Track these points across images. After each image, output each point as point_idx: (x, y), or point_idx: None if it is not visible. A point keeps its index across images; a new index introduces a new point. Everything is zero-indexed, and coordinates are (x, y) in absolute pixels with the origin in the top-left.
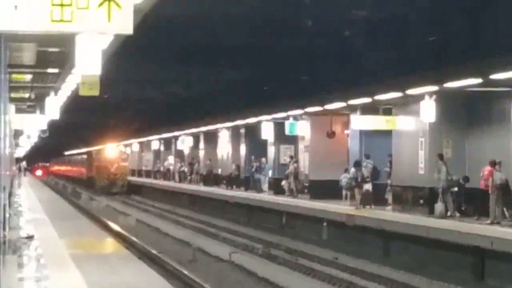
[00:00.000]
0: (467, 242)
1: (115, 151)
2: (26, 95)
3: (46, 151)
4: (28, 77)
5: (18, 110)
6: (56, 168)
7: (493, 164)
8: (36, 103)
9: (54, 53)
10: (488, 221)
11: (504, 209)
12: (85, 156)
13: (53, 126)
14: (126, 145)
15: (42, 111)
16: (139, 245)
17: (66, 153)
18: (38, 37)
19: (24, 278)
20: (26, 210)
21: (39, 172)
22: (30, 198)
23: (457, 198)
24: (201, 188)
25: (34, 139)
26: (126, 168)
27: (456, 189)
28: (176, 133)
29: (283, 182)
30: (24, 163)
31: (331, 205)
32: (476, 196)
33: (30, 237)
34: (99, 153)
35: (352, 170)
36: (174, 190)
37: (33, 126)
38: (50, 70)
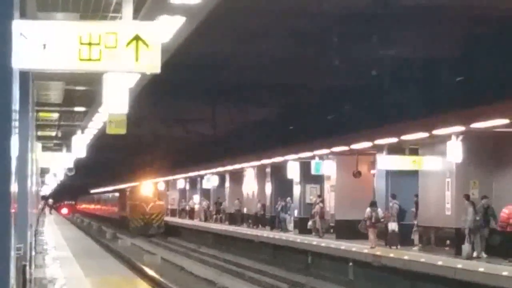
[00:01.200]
0: (494, 283)
1: (150, 189)
2: (53, 133)
3: (72, 189)
4: (55, 115)
5: (45, 148)
6: (83, 206)
7: None
8: (63, 142)
9: (81, 92)
10: None
11: None
12: (116, 194)
13: (80, 164)
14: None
15: (68, 149)
16: (164, 284)
17: (95, 190)
18: (65, 76)
19: None
20: (51, 248)
21: (64, 210)
22: (55, 236)
23: (485, 224)
24: (227, 227)
25: (60, 177)
26: (162, 207)
27: (478, 218)
28: (202, 172)
29: (310, 222)
30: (50, 201)
31: (357, 245)
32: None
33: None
34: (134, 191)
35: (368, 210)
36: (200, 229)
37: (59, 164)
38: (77, 109)
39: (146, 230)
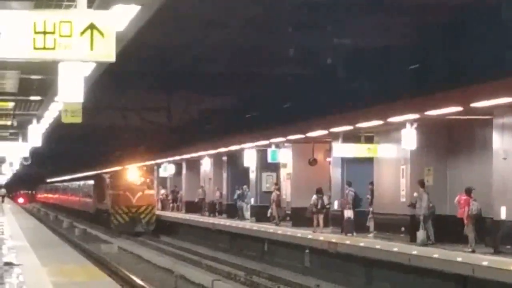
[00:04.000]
0: (449, 269)
1: (138, 175)
2: (9, 123)
3: (30, 177)
4: (11, 104)
5: (0, 138)
6: (45, 196)
7: (469, 192)
8: (19, 131)
9: (37, 81)
10: (469, 249)
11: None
12: (91, 182)
13: (39, 152)
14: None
15: (24, 138)
16: (121, 273)
17: (60, 178)
18: (20, 65)
19: None
20: (7, 237)
21: (21, 200)
22: (12, 225)
23: None
24: (184, 215)
25: (17, 166)
26: (152, 198)
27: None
28: (158, 161)
29: (270, 210)
30: (3, 190)
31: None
32: (451, 223)
33: (10, 264)
34: (116, 177)
35: (314, 197)
36: (157, 218)
37: (15, 154)
38: (32, 98)
39: (132, 227)
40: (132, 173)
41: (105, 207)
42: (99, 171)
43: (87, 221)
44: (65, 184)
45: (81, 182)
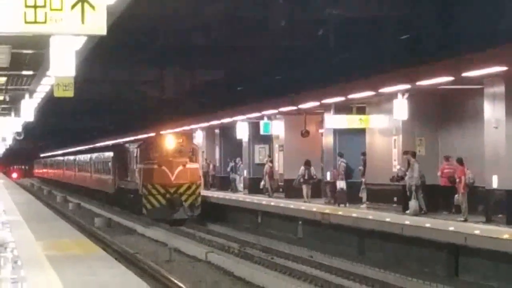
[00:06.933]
0: (441, 238)
1: (177, 142)
2: (1, 98)
3: (24, 152)
4: (3, 79)
5: None
6: (43, 171)
7: (461, 162)
8: (11, 106)
9: (29, 55)
10: (462, 218)
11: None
12: (109, 154)
13: (34, 125)
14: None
15: (17, 113)
16: (116, 246)
17: (62, 151)
18: (12, 39)
19: (0, 279)
20: (1, 212)
21: (14, 175)
22: (5, 200)
23: None
24: None
25: (10, 141)
26: (196, 173)
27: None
28: (150, 134)
29: (263, 182)
30: None
31: (306, 203)
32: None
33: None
34: (148, 146)
35: (302, 168)
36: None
37: (8, 129)
38: (24, 72)
39: (171, 213)
40: (170, 140)
41: (130, 186)
42: (119, 140)
43: (103, 203)
44: (71, 158)
45: (94, 155)
